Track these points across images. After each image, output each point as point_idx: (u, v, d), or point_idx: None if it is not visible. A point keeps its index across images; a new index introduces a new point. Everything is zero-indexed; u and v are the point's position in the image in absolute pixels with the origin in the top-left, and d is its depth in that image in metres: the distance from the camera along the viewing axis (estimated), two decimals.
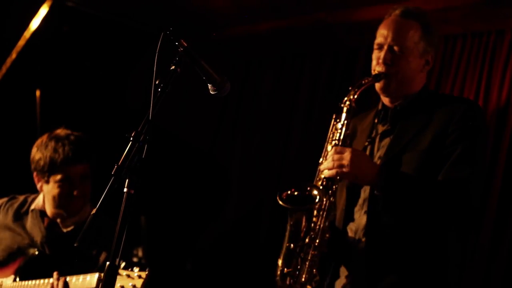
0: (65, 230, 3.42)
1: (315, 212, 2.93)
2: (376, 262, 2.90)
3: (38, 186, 3.45)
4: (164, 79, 2.21)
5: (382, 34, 3.02)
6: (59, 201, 3.37)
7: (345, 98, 3.08)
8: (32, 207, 3.49)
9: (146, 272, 2.81)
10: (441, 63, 4.62)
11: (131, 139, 2.11)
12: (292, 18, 5.11)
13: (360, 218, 2.99)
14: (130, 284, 2.79)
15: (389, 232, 2.89)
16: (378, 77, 3.00)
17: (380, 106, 3.13)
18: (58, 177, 3.34)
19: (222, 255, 5.64)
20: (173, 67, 2.25)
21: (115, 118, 5.42)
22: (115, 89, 5.69)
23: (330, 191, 2.95)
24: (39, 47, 5.02)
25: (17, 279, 3.34)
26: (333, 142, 3.03)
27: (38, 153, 3.37)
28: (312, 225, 2.92)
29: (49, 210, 3.44)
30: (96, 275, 3.01)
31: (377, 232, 2.91)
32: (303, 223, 2.93)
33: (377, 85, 3.04)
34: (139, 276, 2.81)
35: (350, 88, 3.09)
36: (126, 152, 2.09)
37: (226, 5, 5.06)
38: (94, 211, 2.04)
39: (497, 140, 4.24)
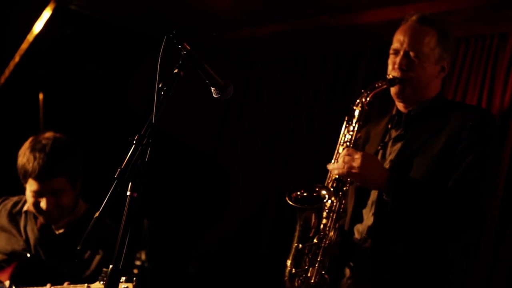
0: (57, 232, 3.39)
1: (324, 214, 2.93)
2: (380, 263, 2.90)
3: None
4: (167, 82, 2.21)
5: (399, 40, 3.03)
6: (35, 209, 3.32)
7: (357, 100, 3.08)
8: (25, 208, 3.46)
9: (133, 283, 2.77)
10: None
11: (134, 142, 2.11)
12: (295, 21, 5.11)
13: (368, 219, 2.99)
14: None
15: (395, 234, 2.89)
16: (393, 81, 3.01)
17: (394, 112, 3.14)
18: (29, 187, 3.29)
19: (225, 258, 5.63)
20: (176, 70, 2.25)
21: (118, 121, 5.42)
22: (118, 92, 5.69)
23: (340, 193, 2.95)
24: (42, 50, 5.02)
25: (13, 286, 3.32)
26: (345, 144, 3.03)
27: (19, 158, 3.32)
28: (322, 226, 2.92)
29: None
30: (85, 286, 2.98)
31: (383, 234, 2.91)
32: (312, 223, 2.93)
33: (392, 90, 3.05)
34: None
35: (362, 91, 3.09)
36: (129, 155, 2.09)
37: (229, 8, 5.06)
38: (97, 214, 2.04)
39: (500, 144, 4.23)
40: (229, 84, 2.34)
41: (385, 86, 3.04)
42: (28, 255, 3.34)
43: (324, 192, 2.95)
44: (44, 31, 4.89)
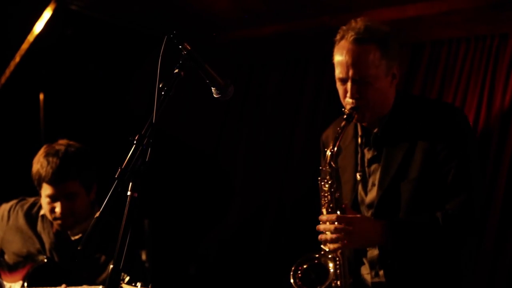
0: (73, 238, 3.42)
1: (333, 264, 2.93)
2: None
3: None
4: (167, 83, 2.21)
5: (342, 68, 2.89)
6: (50, 216, 3.38)
7: (328, 155, 2.98)
8: (42, 212, 3.50)
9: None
10: (445, 66, 4.61)
11: (135, 142, 2.11)
12: (296, 21, 5.10)
13: (372, 250, 3.01)
14: None
15: (405, 265, 2.91)
16: (350, 116, 2.91)
17: (360, 132, 3.07)
18: (44, 192, 3.36)
19: (225, 259, 5.63)
20: (176, 70, 2.25)
21: (118, 122, 5.42)
22: (119, 92, 5.68)
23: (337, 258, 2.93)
24: (43, 51, 5.02)
25: (25, 285, 3.34)
26: (328, 208, 2.95)
27: (33, 164, 3.41)
28: (335, 277, 2.92)
29: None
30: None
31: (390, 263, 2.92)
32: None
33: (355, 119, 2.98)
34: None
35: (330, 144, 2.98)
36: (130, 156, 2.09)
37: (229, 8, 5.06)
38: (97, 214, 2.04)
39: (500, 144, 4.23)
40: (230, 84, 2.34)
41: (347, 125, 2.95)
42: (45, 259, 3.38)
43: (324, 259, 2.94)
44: (44, 31, 4.89)
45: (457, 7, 4.25)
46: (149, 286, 2.78)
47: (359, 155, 3.06)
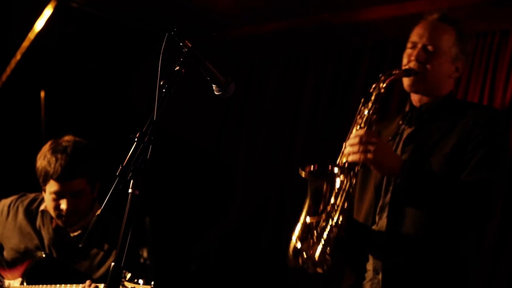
0: (72, 235, 3.41)
1: (334, 191, 2.93)
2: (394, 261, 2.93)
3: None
4: (168, 80, 2.21)
5: (417, 33, 3.05)
6: (54, 213, 3.35)
7: (374, 85, 3.05)
8: (42, 207, 3.49)
9: (151, 286, 2.80)
10: None
11: (136, 140, 2.11)
12: (297, 19, 5.11)
13: (382, 220, 3.00)
14: None
15: (409, 237, 2.91)
16: (408, 72, 3.02)
17: (407, 108, 3.14)
18: (49, 189, 3.31)
19: (226, 256, 5.64)
20: (177, 67, 2.25)
21: (119, 119, 5.42)
22: (120, 90, 5.69)
23: (351, 172, 2.93)
24: (44, 48, 5.03)
25: (25, 283, 3.34)
26: (359, 126, 3.01)
27: (38, 160, 3.36)
28: (331, 204, 2.92)
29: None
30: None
31: (397, 237, 2.93)
32: (322, 199, 2.92)
33: (405, 82, 3.05)
34: None
35: (380, 75, 3.06)
36: (131, 153, 2.09)
37: (230, 6, 5.06)
38: (98, 212, 2.04)
39: None
40: (231, 81, 2.34)
41: (401, 75, 3.04)
42: (44, 254, 3.37)
43: (336, 169, 2.93)
44: (45, 29, 4.90)
45: (457, 4, 4.25)
46: (151, 283, 2.79)
47: (400, 128, 3.12)
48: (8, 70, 4.91)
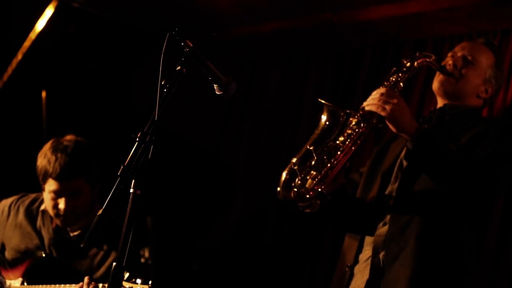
0: (72, 234, 3.41)
1: (345, 133, 2.99)
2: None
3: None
4: (170, 80, 2.22)
5: (460, 46, 3.23)
6: (52, 212, 3.35)
7: (408, 58, 3.15)
8: (42, 207, 3.49)
9: (149, 285, 2.79)
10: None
11: (137, 139, 2.11)
12: (298, 18, 5.10)
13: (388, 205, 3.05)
14: None
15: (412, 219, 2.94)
16: (444, 68, 3.13)
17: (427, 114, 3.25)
18: (48, 188, 3.31)
19: (228, 255, 5.64)
20: (178, 67, 2.26)
21: (120, 119, 5.42)
22: (121, 89, 5.69)
23: (366, 123, 3.00)
24: (45, 48, 5.03)
25: (25, 283, 3.34)
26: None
27: (39, 159, 3.35)
28: (338, 141, 2.99)
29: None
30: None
31: (401, 217, 2.97)
32: (332, 132, 3.03)
33: (436, 81, 3.16)
34: None
35: (416, 53, 3.16)
36: (132, 153, 2.10)
37: (231, 5, 5.06)
38: (100, 212, 2.04)
39: None
40: (232, 81, 2.35)
41: (435, 66, 3.14)
42: (43, 254, 3.37)
43: (352, 114, 3.03)
44: (46, 29, 4.90)
45: (458, 3, 4.25)
46: (149, 283, 2.79)
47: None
48: (10, 70, 4.91)
